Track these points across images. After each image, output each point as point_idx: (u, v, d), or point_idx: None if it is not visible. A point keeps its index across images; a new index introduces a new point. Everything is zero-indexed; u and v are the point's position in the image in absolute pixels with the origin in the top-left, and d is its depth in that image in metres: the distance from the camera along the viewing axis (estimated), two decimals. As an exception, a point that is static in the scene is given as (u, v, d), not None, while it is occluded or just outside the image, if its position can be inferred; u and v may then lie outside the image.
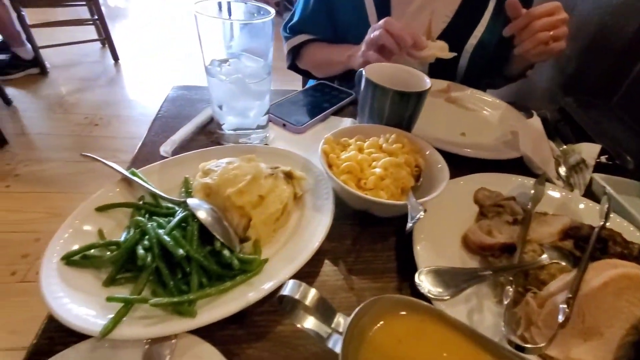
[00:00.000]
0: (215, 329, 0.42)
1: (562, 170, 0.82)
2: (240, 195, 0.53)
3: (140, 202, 0.55)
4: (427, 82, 0.72)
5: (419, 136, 0.70)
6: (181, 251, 0.43)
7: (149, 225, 0.47)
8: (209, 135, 0.77)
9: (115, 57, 3.31)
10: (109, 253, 0.47)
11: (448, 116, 0.97)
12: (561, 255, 0.51)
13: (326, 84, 1.02)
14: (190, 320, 0.39)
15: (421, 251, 0.53)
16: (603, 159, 0.89)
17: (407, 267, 0.55)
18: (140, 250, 0.43)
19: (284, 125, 0.82)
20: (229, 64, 0.67)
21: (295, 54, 1.16)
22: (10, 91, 2.70)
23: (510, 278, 0.48)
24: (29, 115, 2.60)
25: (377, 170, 0.57)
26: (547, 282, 0.47)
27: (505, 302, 0.45)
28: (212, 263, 0.46)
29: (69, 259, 0.45)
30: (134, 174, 0.57)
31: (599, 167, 0.82)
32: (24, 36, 2.81)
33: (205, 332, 0.40)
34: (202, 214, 0.49)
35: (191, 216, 0.49)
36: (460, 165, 0.70)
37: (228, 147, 0.68)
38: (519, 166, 0.79)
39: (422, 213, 0.46)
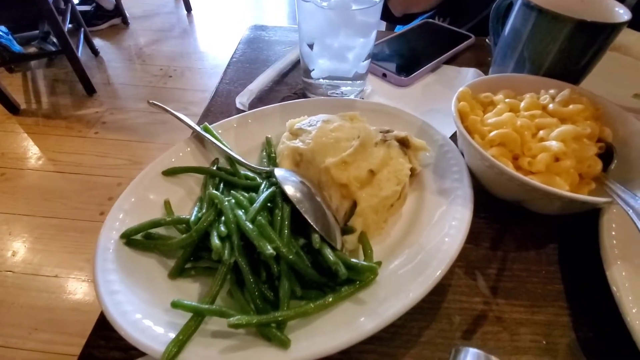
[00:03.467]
0: None
1: None
2: (345, 168, 0.38)
3: (214, 168, 0.43)
4: (622, 11, 0.47)
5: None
6: (270, 249, 0.30)
7: (226, 204, 0.34)
8: (291, 86, 0.62)
9: (188, 8, 3.28)
10: (177, 233, 0.36)
11: (610, 70, 0.69)
12: None
13: (434, 24, 0.79)
14: (282, 353, 0.27)
15: (619, 274, 0.34)
16: None
17: (582, 290, 0.36)
18: (216, 240, 0.31)
19: (384, 75, 0.64)
20: (328, -17, 0.49)
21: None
22: (97, 42, 2.83)
23: None
24: (113, 66, 2.72)
25: (553, 143, 0.37)
26: None
27: None
28: (308, 266, 0.32)
29: (129, 238, 0.35)
30: (206, 129, 0.45)
31: None
32: (105, -14, 2.88)
33: None
34: (296, 194, 0.35)
35: (280, 195, 0.35)
36: None
37: (319, 99, 0.52)
38: None
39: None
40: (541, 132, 0.39)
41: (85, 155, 2.05)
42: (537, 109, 0.42)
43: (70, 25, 2.57)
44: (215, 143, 0.43)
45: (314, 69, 0.55)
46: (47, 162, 2.03)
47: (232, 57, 0.69)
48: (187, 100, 2.46)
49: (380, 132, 0.43)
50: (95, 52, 2.81)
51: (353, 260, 0.33)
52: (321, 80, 0.56)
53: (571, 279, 0.38)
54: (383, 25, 1.16)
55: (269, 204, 0.35)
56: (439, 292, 0.36)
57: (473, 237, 0.41)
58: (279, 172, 0.37)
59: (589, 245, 0.38)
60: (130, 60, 2.83)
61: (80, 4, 2.98)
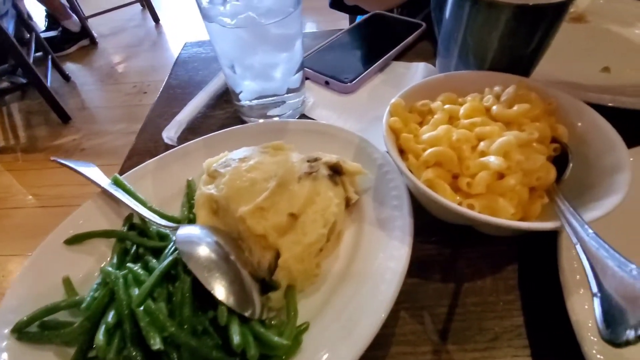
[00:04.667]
0: None
1: None
2: (261, 216, 0.33)
3: (126, 227, 0.38)
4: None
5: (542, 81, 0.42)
6: (158, 342, 0.25)
7: (120, 281, 0.30)
8: (227, 110, 0.57)
9: (156, 19, 3.19)
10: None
11: (575, 44, 0.63)
12: None
13: (382, 15, 0.72)
14: None
15: (580, 303, 0.29)
16: None
17: (543, 322, 0.32)
18: (100, 336, 0.27)
19: (327, 83, 0.58)
20: (235, -3, 0.43)
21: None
22: (67, 67, 2.77)
23: None
24: (86, 89, 2.66)
25: (491, 159, 0.32)
26: None
27: None
28: (216, 346, 0.28)
29: (21, 332, 0.30)
30: (117, 182, 0.40)
31: None
32: (69, 8, 2.80)
33: None
34: (199, 260, 0.30)
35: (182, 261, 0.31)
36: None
37: (245, 127, 0.47)
38: None
39: None
40: (481, 145, 0.34)
41: (66, 187, 2.01)
42: (479, 114, 0.37)
43: (38, 54, 2.51)
44: (121, 200, 0.38)
45: (241, 92, 0.50)
46: (30, 199, 2.00)
47: (166, 82, 0.64)
48: (163, 116, 2.40)
49: (308, 161, 0.38)
50: (66, 77, 2.75)
51: (267, 333, 0.28)
52: (252, 102, 0.50)
53: (532, 307, 0.33)
54: (345, 17, 1.10)
55: (173, 271, 0.31)
56: (380, 345, 0.31)
57: (422, 268, 0.37)
58: (182, 232, 0.33)
59: (552, 263, 0.33)
60: (102, 81, 2.77)
61: (46, 30, 2.91)
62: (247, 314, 0.29)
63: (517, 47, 0.41)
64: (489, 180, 0.31)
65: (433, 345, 0.32)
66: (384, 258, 0.33)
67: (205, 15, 0.42)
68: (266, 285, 0.33)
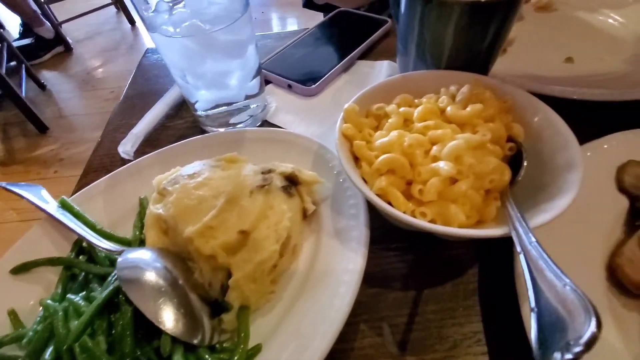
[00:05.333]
0: None
1: None
2: (210, 235, 0.32)
3: (72, 254, 0.36)
4: (522, -24, 0.40)
5: (500, 76, 0.41)
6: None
7: (60, 315, 0.28)
8: (187, 119, 0.55)
9: (132, 21, 3.11)
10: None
11: (540, 34, 0.62)
12: None
13: (348, 13, 0.71)
14: None
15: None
16: None
17: (502, 327, 0.31)
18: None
19: (289, 86, 0.57)
20: (180, 3, 0.42)
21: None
22: (43, 75, 2.69)
23: None
24: (63, 97, 2.59)
25: (441, 165, 0.31)
26: None
27: None
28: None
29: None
30: (63, 204, 0.39)
31: None
32: (41, 14, 2.72)
33: None
34: (141, 288, 0.29)
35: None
36: (571, 117, 0.40)
37: (200, 139, 0.45)
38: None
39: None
40: (434, 149, 0.33)
41: (46, 199, 1.96)
42: (434, 116, 0.36)
43: (12, 63, 2.44)
44: (65, 224, 0.36)
45: (196, 101, 0.48)
46: (11, 213, 1.95)
47: (125, 92, 0.62)
48: (143, 121, 2.35)
49: (262, 172, 0.37)
50: (41, 86, 2.67)
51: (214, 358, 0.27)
52: (210, 111, 0.49)
53: (491, 312, 0.33)
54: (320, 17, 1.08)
55: (116, 299, 0.30)
56: (337, 361, 0.31)
57: (383, 277, 0.36)
58: (127, 257, 0.31)
59: (511, 266, 0.32)
60: (79, 88, 2.70)
61: (19, 38, 2.82)
62: (195, 341, 0.28)
63: (473, 44, 0.40)
64: (440, 186, 0.31)
65: (392, 358, 0.31)
66: (340, 271, 0.32)
67: (149, 26, 0.40)
68: (220, 307, 0.32)
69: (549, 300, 0.19)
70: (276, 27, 2.82)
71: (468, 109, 0.35)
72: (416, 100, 0.39)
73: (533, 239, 0.24)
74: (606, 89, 0.48)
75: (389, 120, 0.37)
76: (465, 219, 0.31)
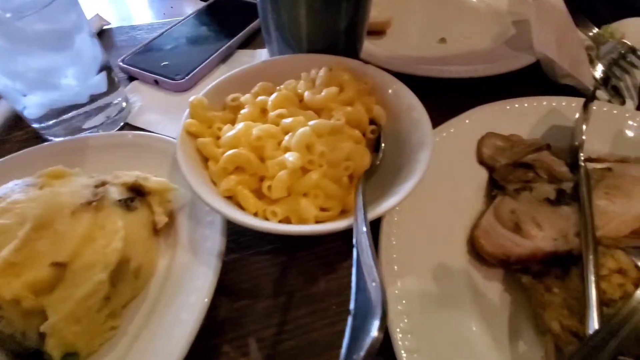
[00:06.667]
0: None
1: (598, 70, 0.53)
2: (11, 275, 0.25)
3: None
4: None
5: (368, 60, 0.40)
6: None
7: None
8: (28, 127, 0.45)
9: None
10: None
11: (414, 15, 0.64)
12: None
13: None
14: None
15: (392, 284, 0.27)
16: (658, 38, 0.59)
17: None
18: None
19: (156, 82, 0.50)
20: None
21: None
22: None
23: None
24: None
25: (288, 156, 0.28)
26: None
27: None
28: None
29: None
30: None
31: (653, 53, 0.54)
32: None
33: None
34: None
35: None
36: (442, 95, 0.41)
37: (27, 153, 0.37)
38: (535, 79, 0.51)
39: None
40: (285, 139, 0.30)
41: None
42: (290, 104, 0.33)
43: None
44: None
45: (24, 108, 0.39)
46: None
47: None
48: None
49: (95, 186, 0.31)
50: None
51: None
52: (50, 120, 0.40)
53: (364, 305, 0.31)
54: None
55: None
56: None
57: (251, 287, 0.32)
58: None
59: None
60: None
61: None
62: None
63: (329, 25, 0.38)
64: (289, 180, 0.28)
65: (260, 377, 0.28)
66: (188, 291, 0.28)
67: None
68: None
69: (364, 300, 0.17)
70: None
71: (323, 92, 0.33)
72: (278, 88, 0.36)
73: (364, 229, 0.22)
74: (472, 66, 0.50)
75: (242, 111, 0.33)
76: (317, 212, 0.28)
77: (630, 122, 0.41)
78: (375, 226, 0.33)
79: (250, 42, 0.59)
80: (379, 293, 0.16)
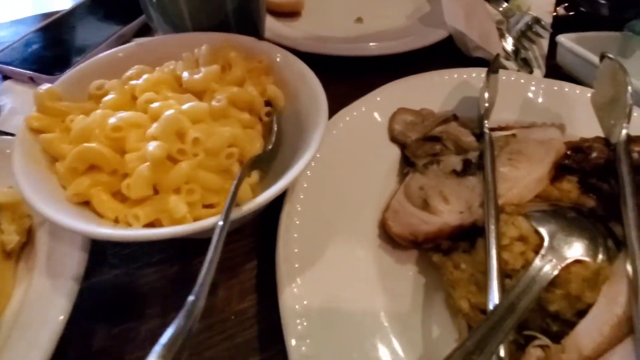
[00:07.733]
0: None
1: (508, 43, 0.54)
2: None
3: None
4: None
5: (278, 41, 0.36)
6: None
7: None
8: None
9: None
10: None
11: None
12: (584, 233, 0.24)
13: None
14: None
15: (292, 302, 0.24)
16: (561, 10, 0.62)
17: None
18: None
19: (31, 79, 0.43)
20: None
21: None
22: None
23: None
24: None
25: (150, 146, 0.23)
26: (567, 315, 0.21)
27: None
28: None
29: None
30: None
31: (557, 24, 0.56)
32: None
33: None
34: None
35: None
36: (359, 76, 0.39)
37: None
38: (450, 54, 0.50)
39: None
40: (151, 129, 0.25)
41: None
42: (166, 87, 0.29)
43: None
44: None
45: None
46: None
47: None
48: None
49: None
50: None
51: None
52: None
53: (270, 309, 0.27)
54: None
55: None
56: None
57: (136, 306, 0.27)
58: None
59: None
60: None
61: None
62: None
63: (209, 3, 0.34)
64: (152, 175, 0.23)
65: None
66: (39, 324, 0.22)
67: None
68: None
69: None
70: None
71: (203, 71, 0.29)
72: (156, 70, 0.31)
73: (220, 222, 0.18)
74: (385, 42, 0.48)
75: (104, 99, 0.28)
76: (199, 210, 0.24)
77: (535, 89, 0.41)
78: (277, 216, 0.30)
79: (150, 29, 0.52)
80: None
